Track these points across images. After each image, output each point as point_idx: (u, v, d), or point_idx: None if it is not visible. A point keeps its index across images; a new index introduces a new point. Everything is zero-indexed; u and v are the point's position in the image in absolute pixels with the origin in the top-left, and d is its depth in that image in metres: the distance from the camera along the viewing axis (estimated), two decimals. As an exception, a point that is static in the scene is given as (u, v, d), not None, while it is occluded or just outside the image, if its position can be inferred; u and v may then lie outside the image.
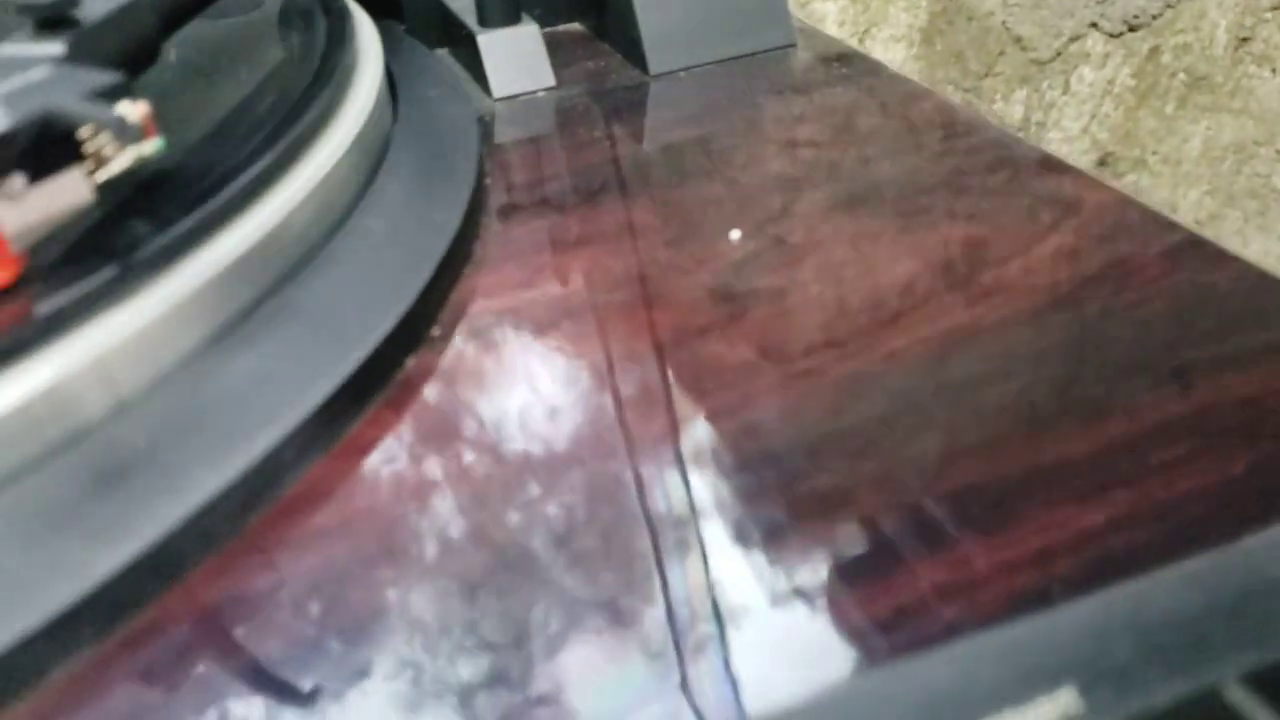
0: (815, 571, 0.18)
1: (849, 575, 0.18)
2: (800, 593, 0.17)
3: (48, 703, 0.17)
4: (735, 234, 0.27)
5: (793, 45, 0.38)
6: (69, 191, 0.22)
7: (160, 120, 0.22)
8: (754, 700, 0.16)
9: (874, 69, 0.36)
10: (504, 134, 0.34)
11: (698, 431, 0.21)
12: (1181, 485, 0.19)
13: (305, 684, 0.17)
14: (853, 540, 0.18)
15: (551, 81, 0.36)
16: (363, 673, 0.17)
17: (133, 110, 0.22)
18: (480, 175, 0.29)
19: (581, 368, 0.23)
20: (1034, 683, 0.15)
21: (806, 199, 0.29)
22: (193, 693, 0.17)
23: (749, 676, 0.16)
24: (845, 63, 0.37)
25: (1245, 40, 0.98)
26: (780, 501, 0.19)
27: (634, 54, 0.37)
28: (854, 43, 0.87)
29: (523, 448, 0.21)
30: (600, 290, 0.26)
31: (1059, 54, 0.96)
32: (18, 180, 0.20)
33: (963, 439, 0.20)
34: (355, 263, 0.25)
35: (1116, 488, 0.19)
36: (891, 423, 0.21)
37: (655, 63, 0.37)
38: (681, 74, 0.37)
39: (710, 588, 0.18)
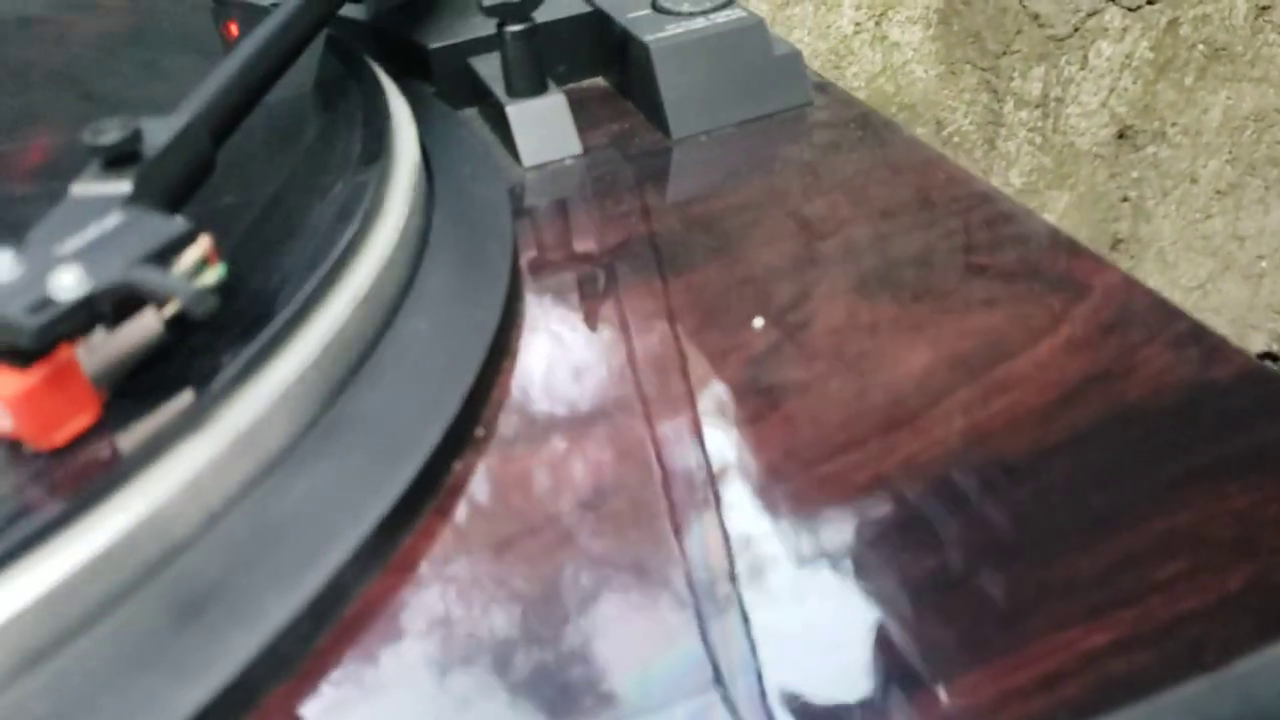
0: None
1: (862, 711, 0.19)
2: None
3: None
4: (759, 322, 0.29)
5: (810, 104, 0.39)
6: (142, 330, 0.23)
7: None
8: None
9: (888, 132, 0.37)
10: (534, 203, 0.36)
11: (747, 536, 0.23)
12: (1182, 604, 0.20)
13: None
14: (861, 672, 0.20)
15: (578, 149, 0.38)
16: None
17: (197, 250, 0.24)
18: (515, 263, 0.31)
19: (624, 464, 0.25)
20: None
21: (825, 283, 0.30)
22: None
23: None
24: (860, 124, 0.38)
25: (1265, 9, 0.98)
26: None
27: (656, 117, 0.39)
28: (870, 25, 0.88)
29: (569, 546, 0.23)
30: (638, 381, 0.27)
31: (1076, 29, 0.96)
32: (99, 335, 0.22)
33: (976, 554, 0.22)
34: (403, 368, 0.26)
35: (1120, 607, 0.20)
36: (905, 534, 0.22)
37: (677, 127, 0.38)
38: (703, 138, 0.38)
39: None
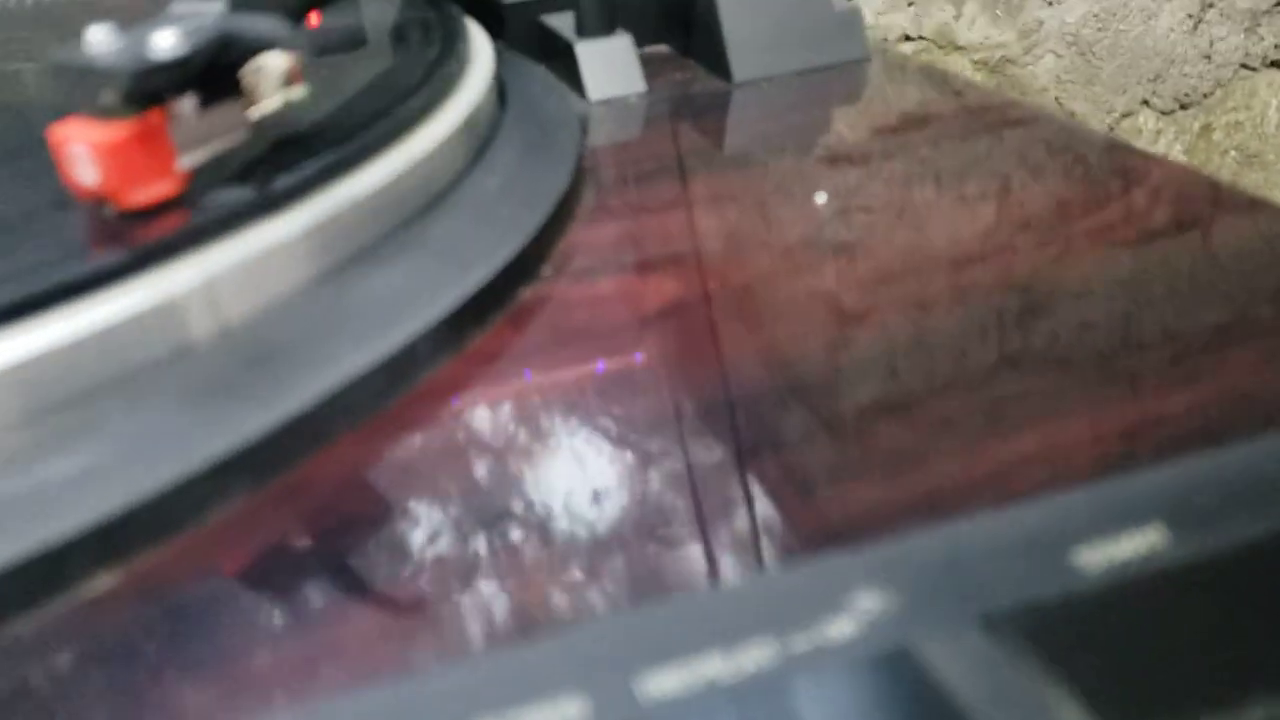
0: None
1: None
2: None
3: (205, 540, 0.18)
4: (820, 197, 0.29)
5: (867, 60, 0.40)
6: (229, 122, 0.24)
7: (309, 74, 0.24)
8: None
9: (943, 76, 0.38)
10: (599, 129, 0.36)
11: (779, 349, 0.23)
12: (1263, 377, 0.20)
13: (432, 538, 0.18)
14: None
15: (642, 87, 0.39)
16: (481, 524, 0.18)
17: (283, 62, 0.25)
18: (580, 154, 0.31)
19: (676, 303, 0.25)
20: (1123, 523, 0.16)
21: (883, 175, 0.30)
22: (335, 542, 0.18)
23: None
24: (914, 72, 0.39)
25: (1297, 117, 0.99)
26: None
27: (718, 65, 0.39)
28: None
29: (621, 357, 0.23)
30: (689, 243, 0.27)
31: (1111, 130, 0.98)
32: (190, 101, 0.22)
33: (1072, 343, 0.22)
34: (474, 209, 0.27)
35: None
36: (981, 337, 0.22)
37: (739, 70, 0.39)
38: (763, 83, 0.39)
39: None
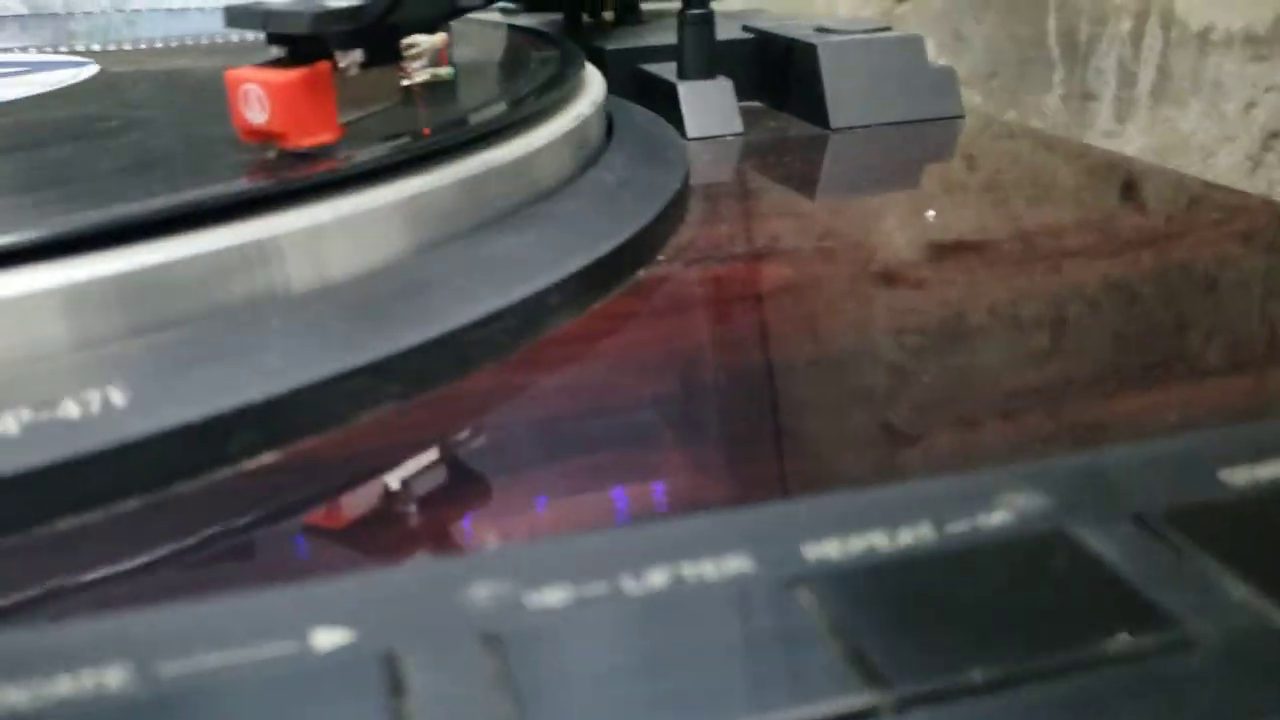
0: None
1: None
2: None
3: (355, 435, 0.19)
4: (930, 213, 0.30)
5: (961, 117, 0.42)
6: (385, 86, 0.25)
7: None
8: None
9: (1032, 134, 0.39)
10: (699, 159, 0.38)
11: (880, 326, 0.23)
12: None
13: (559, 449, 0.19)
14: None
15: (740, 128, 0.40)
16: (600, 441, 0.19)
17: (435, 41, 0.26)
18: (687, 169, 0.33)
19: (788, 283, 0.26)
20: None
21: (970, 205, 0.31)
22: (478, 450, 0.19)
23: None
24: (1004, 131, 0.40)
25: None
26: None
27: (816, 114, 0.41)
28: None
29: (743, 322, 0.24)
30: (795, 242, 0.29)
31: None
32: (357, 54, 0.24)
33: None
34: (594, 196, 0.28)
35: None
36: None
37: (836, 118, 0.40)
38: (858, 130, 0.40)
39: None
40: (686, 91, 0.40)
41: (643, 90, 0.44)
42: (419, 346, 0.20)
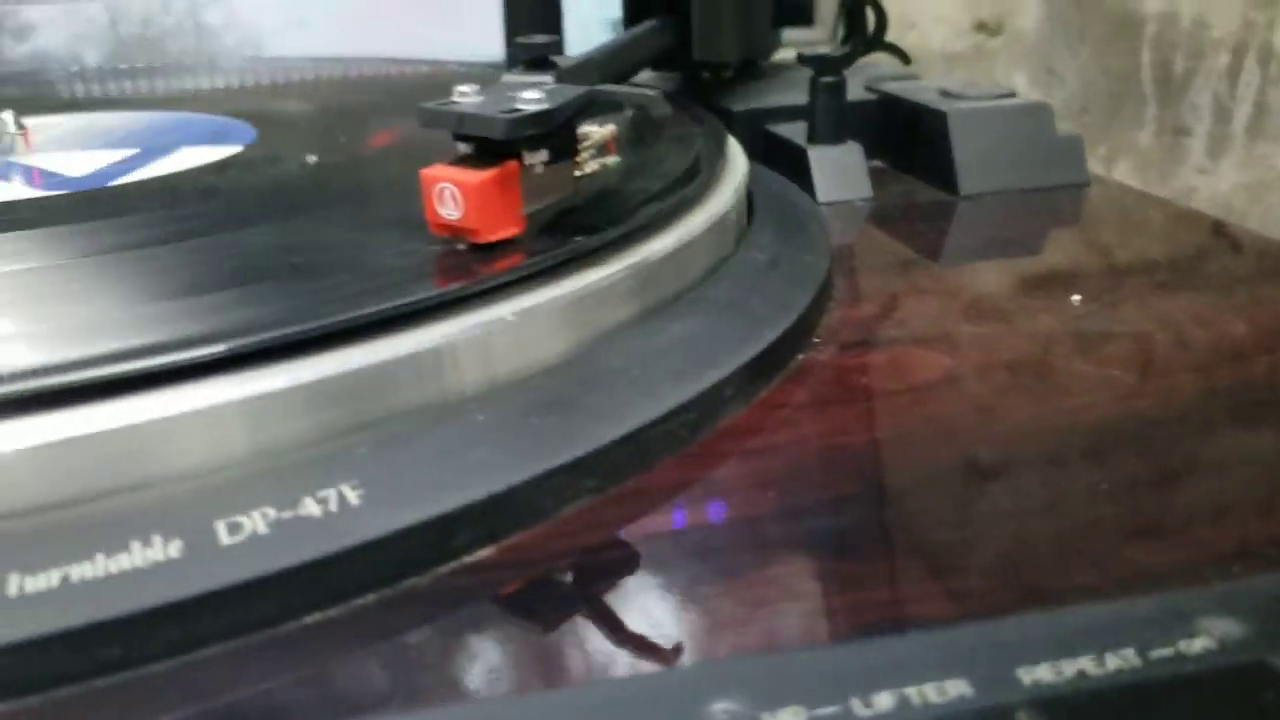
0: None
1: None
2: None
3: (560, 529, 0.20)
4: (1076, 298, 0.31)
5: (1087, 184, 0.42)
6: (562, 179, 0.27)
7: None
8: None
9: (1161, 204, 0.40)
10: (833, 228, 0.39)
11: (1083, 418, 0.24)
12: None
13: (761, 553, 0.20)
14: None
15: (869, 193, 0.41)
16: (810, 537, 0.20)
17: (604, 133, 0.28)
18: (832, 247, 0.34)
19: (947, 374, 0.27)
20: None
21: (1125, 286, 0.32)
22: (682, 550, 0.20)
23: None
24: (1134, 202, 0.40)
25: None
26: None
27: (943, 179, 0.42)
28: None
29: (903, 416, 0.25)
30: (944, 326, 0.29)
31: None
32: (543, 154, 0.25)
33: None
34: (748, 278, 0.29)
35: None
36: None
37: (966, 184, 0.41)
38: (987, 197, 0.41)
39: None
40: (817, 156, 0.42)
41: (769, 151, 0.45)
42: (613, 443, 0.21)
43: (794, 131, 0.44)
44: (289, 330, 0.21)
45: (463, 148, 0.26)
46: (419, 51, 0.60)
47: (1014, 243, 0.38)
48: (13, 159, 0.38)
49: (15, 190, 0.34)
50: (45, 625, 0.16)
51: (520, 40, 0.29)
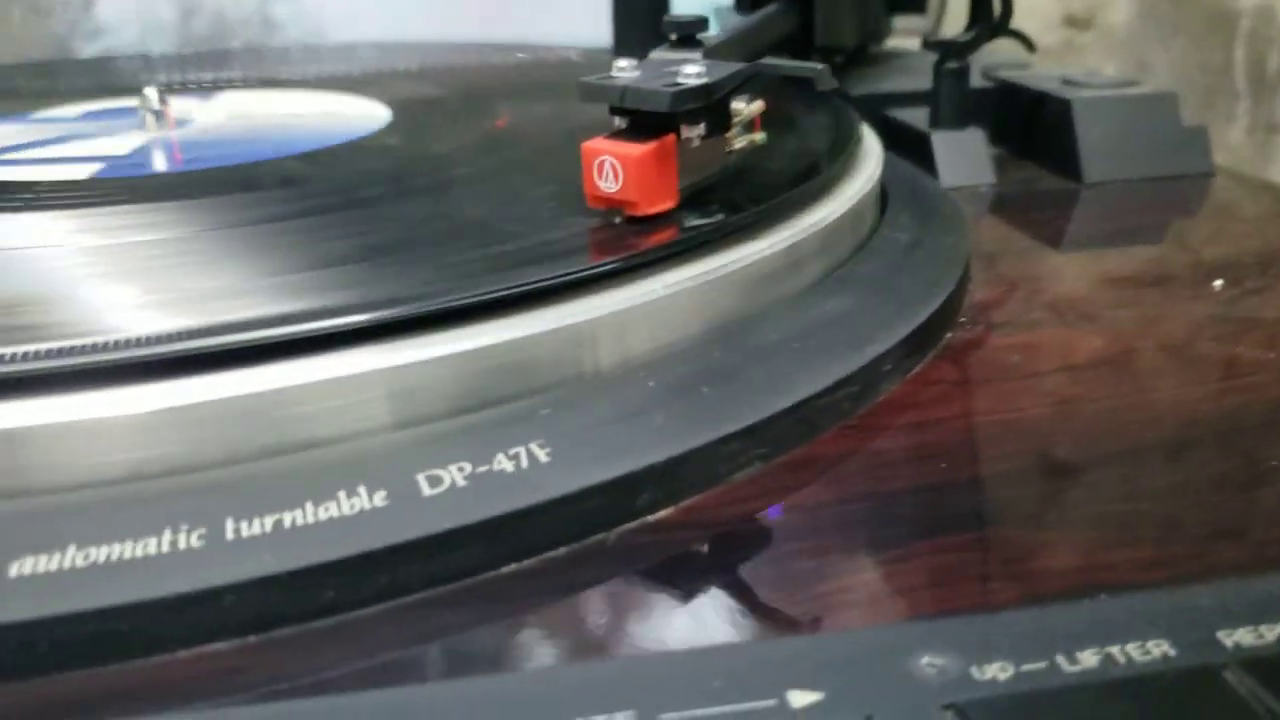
0: None
1: None
2: None
3: (735, 494, 0.21)
4: (1218, 283, 0.30)
5: (1212, 174, 0.42)
6: (715, 154, 0.27)
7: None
8: None
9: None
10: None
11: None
12: None
13: (938, 522, 0.20)
14: None
15: (992, 179, 0.41)
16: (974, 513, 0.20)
17: (753, 109, 0.28)
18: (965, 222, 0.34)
19: (1101, 355, 0.27)
20: None
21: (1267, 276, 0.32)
22: (859, 517, 0.20)
23: None
24: (1260, 193, 0.40)
25: None
26: None
27: (1067, 167, 0.42)
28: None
29: (1063, 395, 0.25)
30: (1091, 308, 0.29)
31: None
32: (701, 128, 0.26)
33: None
34: (892, 257, 0.29)
35: None
36: None
37: (1090, 173, 0.41)
38: (1111, 185, 0.41)
39: None
40: (941, 141, 0.41)
41: (887, 135, 0.45)
42: (782, 412, 0.22)
43: (914, 117, 0.44)
44: (481, 293, 0.21)
45: (619, 122, 0.26)
46: (501, 37, 0.61)
47: (1144, 230, 0.37)
48: (159, 135, 0.39)
49: (164, 162, 0.36)
50: (265, 567, 0.17)
51: (669, 19, 0.30)
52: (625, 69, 0.26)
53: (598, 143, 0.25)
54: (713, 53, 0.29)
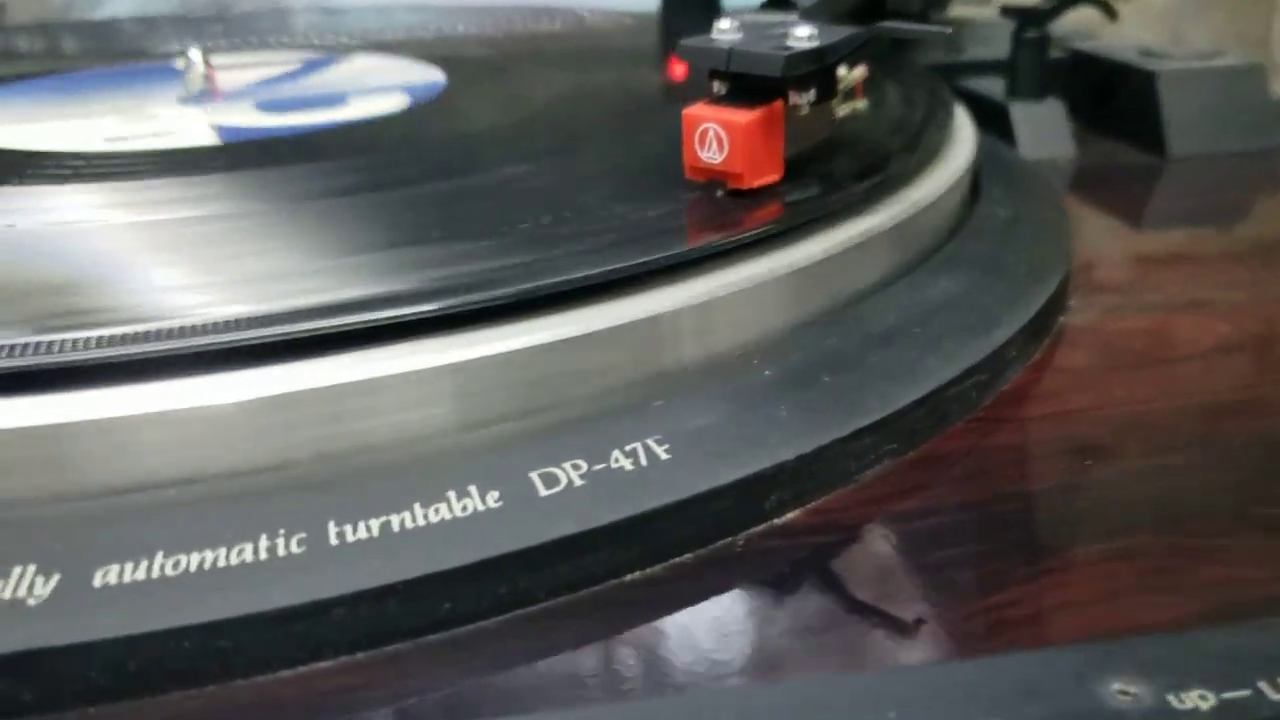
0: None
1: None
2: None
3: (867, 494, 0.19)
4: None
5: (1302, 147, 0.40)
6: (821, 122, 0.25)
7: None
8: None
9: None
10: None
11: None
12: None
13: (1096, 526, 0.18)
14: None
15: (1072, 151, 0.39)
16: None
17: (858, 71, 0.26)
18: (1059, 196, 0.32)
19: (1225, 341, 0.25)
20: None
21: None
22: (1009, 520, 0.19)
23: None
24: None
25: None
26: None
27: (1148, 140, 0.40)
28: None
29: (1198, 382, 0.23)
30: (1207, 292, 0.27)
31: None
32: (811, 94, 0.24)
33: None
34: (997, 234, 0.27)
35: None
36: None
37: (1176, 146, 0.39)
38: (1197, 160, 0.39)
39: None
40: (1020, 112, 0.40)
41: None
42: (913, 404, 0.20)
43: (990, 87, 0.42)
44: (597, 272, 0.20)
45: (717, 87, 0.24)
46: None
47: (1237, 206, 0.35)
48: (205, 99, 0.37)
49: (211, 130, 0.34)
50: (376, 576, 0.15)
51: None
52: (726, 30, 0.24)
53: (700, 109, 0.23)
54: (807, 14, 0.27)
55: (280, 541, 0.16)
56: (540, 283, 0.19)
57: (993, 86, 0.42)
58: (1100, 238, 0.32)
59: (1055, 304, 0.25)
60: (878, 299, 0.23)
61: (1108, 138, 0.42)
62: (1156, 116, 0.39)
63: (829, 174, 0.25)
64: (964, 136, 0.31)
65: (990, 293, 0.24)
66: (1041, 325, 0.24)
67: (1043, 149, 0.39)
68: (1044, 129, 0.39)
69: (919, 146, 0.27)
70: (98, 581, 0.15)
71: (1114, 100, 0.42)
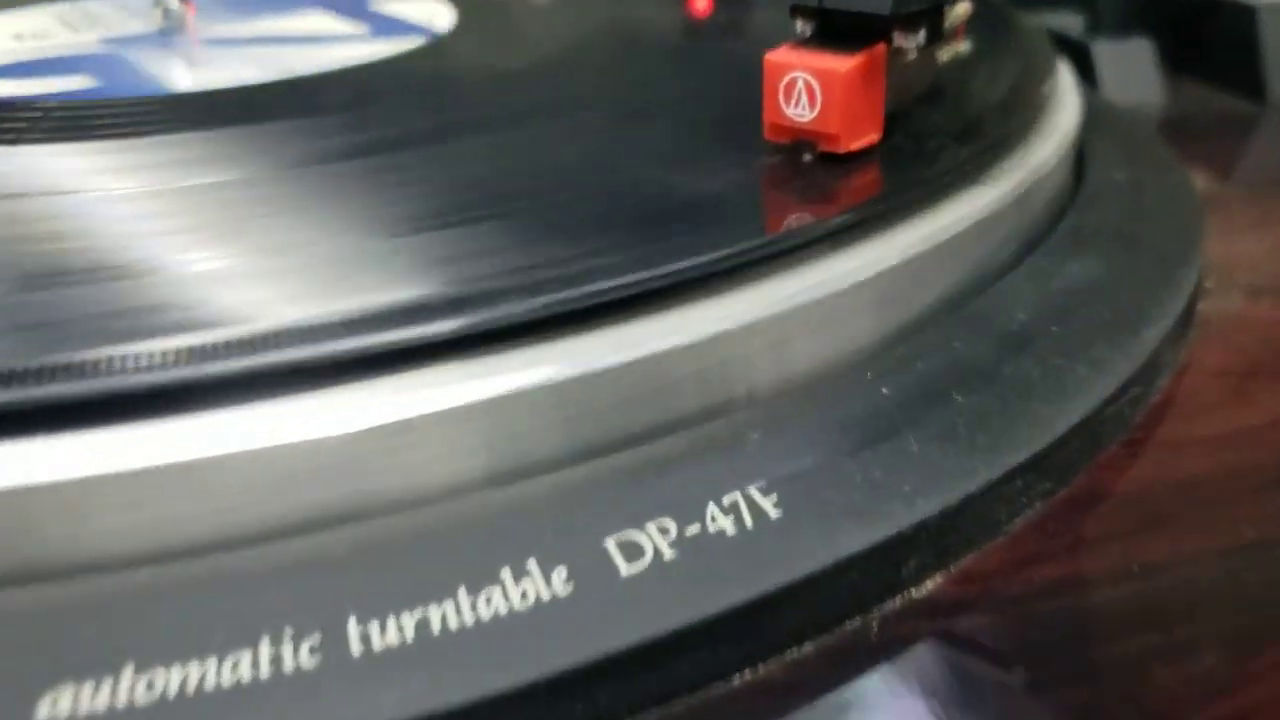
0: None
1: None
2: None
3: (1021, 549, 0.15)
4: None
5: None
6: (925, 68, 0.21)
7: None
8: None
9: None
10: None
11: None
12: None
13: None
14: None
15: (1161, 96, 0.35)
16: None
17: (965, 8, 0.22)
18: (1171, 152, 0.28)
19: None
20: None
21: None
22: (1159, 572, 0.15)
23: None
24: None
25: None
26: None
27: (1245, 84, 0.35)
28: None
29: None
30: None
31: None
32: (921, 36, 0.19)
33: None
34: (1121, 202, 0.23)
35: None
36: None
37: (1278, 90, 0.34)
38: (1300, 106, 0.34)
39: None
40: (1105, 52, 0.35)
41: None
42: (1070, 430, 0.16)
43: (1065, 23, 0.37)
44: (685, 268, 0.15)
45: (800, 26, 0.20)
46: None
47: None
48: (186, 40, 0.32)
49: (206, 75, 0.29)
50: (419, 702, 0.11)
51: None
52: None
53: (784, 54, 0.19)
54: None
55: (287, 649, 0.12)
56: (622, 281, 0.15)
57: (1067, 22, 0.37)
58: (1223, 204, 0.27)
59: (1198, 288, 0.21)
60: (999, 290, 0.19)
61: (1196, 81, 0.38)
62: (1256, 57, 0.35)
63: (933, 135, 0.21)
64: (1067, 84, 0.26)
65: (1132, 277, 0.20)
66: (1188, 316, 0.20)
67: (1129, 93, 0.35)
68: (1131, 71, 0.35)
69: (1030, 100, 0.23)
70: (43, 714, 0.11)
71: (1204, 39, 0.38)
